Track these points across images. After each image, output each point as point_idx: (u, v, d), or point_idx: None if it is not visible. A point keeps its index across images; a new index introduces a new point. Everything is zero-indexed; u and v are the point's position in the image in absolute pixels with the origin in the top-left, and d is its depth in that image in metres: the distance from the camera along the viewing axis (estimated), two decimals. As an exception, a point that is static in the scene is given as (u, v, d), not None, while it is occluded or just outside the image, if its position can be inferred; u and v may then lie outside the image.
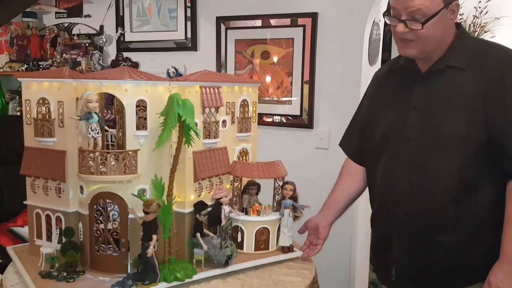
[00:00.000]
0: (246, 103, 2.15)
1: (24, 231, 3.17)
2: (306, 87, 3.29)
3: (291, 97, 3.37)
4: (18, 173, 3.29)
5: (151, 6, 3.84)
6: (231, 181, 2.09)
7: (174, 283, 1.74)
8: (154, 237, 1.68)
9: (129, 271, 1.78)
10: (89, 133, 1.74)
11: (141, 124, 1.78)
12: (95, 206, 1.80)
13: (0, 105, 4.35)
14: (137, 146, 1.77)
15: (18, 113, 4.26)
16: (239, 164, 2.07)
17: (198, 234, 1.84)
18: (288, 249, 2.06)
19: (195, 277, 1.80)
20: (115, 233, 1.80)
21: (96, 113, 1.75)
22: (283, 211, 2.02)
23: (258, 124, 3.46)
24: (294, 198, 2.04)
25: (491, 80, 1.65)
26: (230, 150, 2.07)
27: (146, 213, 1.67)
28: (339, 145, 2.19)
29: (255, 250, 2.02)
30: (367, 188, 2.07)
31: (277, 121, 3.45)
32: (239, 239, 2.01)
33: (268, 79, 3.44)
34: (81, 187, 1.83)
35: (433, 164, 1.73)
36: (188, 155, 1.84)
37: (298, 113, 3.35)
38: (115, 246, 1.80)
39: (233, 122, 2.08)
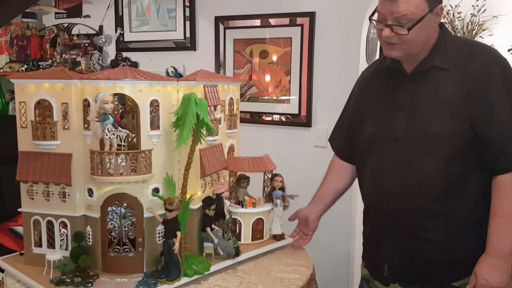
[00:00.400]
0: (232, 101, 2.19)
1: (24, 230, 3.20)
2: (304, 86, 3.31)
3: (289, 96, 3.39)
4: (19, 173, 3.28)
5: (150, 6, 3.86)
6: (223, 176, 2.15)
7: (195, 277, 1.80)
8: (179, 233, 1.72)
9: (144, 270, 1.80)
10: (106, 134, 1.72)
11: (155, 123, 1.80)
12: (110, 208, 1.78)
13: (0, 105, 4.37)
14: (151, 146, 1.79)
15: (19, 113, 4.27)
16: (232, 160, 2.14)
17: (208, 229, 1.90)
18: (280, 236, 2.17)
19: (216, 268, 1.88)
20: (130, 233, 1.80)
21: (110, 114, 1.73)
22: (275, 202, 2.14)
23: (257, 123, 3.51)
24: (282, 189, 2.16)
25: (475, 80, 1.70)
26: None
27: (169, 210, 1.70)
28: (328, 140, 2.26)
29: (252, 240, 2.11)
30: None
31: (276, 119, 3.47)
32: (237, 231, 2.09)
33: (267, 78, 3.46)
34: (90, 190, 1.79)
35: (420, 162, 1.78)
36: (196, 152, 1.87)
37: (297, 112, 3.37)
38: (130, 246, 1.80)
39: (224, 120, 2.12)
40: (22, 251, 1.92)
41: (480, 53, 1.75)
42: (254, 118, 3.54)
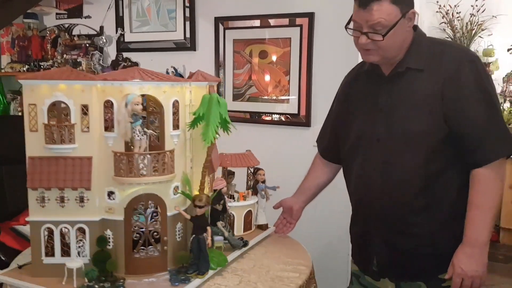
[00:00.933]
0: None
1: (26, 229, 3.20)
2: (303, 86, 3.33)
3: (289, 95, 3.41)
4: (20, 173, 3.33)
5: (150, 7, 3.88)
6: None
7: (218, 269, 1.88)
8: (209, 228, 1.79)
9: (168, 268, 1.83)
10: (138, 136, 1.73)
11: (175, 123, 1.83)
12: (137, 209, 1.80)
13: (2, 105, 4.39)
14: (172, 146, 1.82)
15: (20, 113, 4.30)
16: (222, 156, 2.27)
17: (219, 223, 1.99)
18: (266, 226, 2.35)
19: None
20: (155, 233, 1.83)
21: (139, 115, 1.75)
22: (261, 194, 2.32)
23: (257, 122, 3.52)
24: (263, 181, 2.34)
25: (447, 78, 1.77)
26: None
27: (199, 207, 1.77)
28: (316, 141, 2.35)
29: (244, 231, 2.25)
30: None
31: (275, 119, 3.49)
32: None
33: (266, 78, 3.48)
34: (111, 193, 1.77)
35: (401, 160, 1.85)
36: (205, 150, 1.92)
37: (296, 112, 3.39)
38: (156, 245, 1.82)
39: None
40: (20, 264, 1.84)
41: (451, 53, 1.82)
42: (254, 118, 3.56)
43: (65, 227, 1.76)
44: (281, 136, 3.47)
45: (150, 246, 1.82)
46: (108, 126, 1.77)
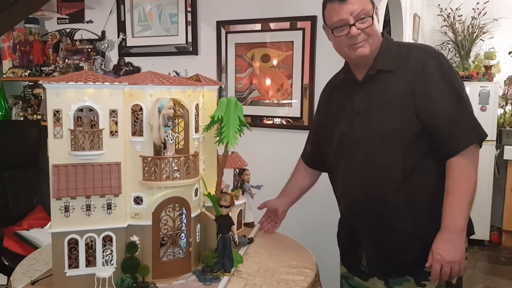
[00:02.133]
0: None
1: (29, 234, 3.21)
2: (306, 89, 3.34)
3: (291, 99, 3.41)
4: (23, 177, 3.34)
5: (152, 11, 3.88)
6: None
7: (239, 265, 1.94)
8: (234, 227, 1.87)
9: (191, 268, 1.88)
10: (170, 140, 1.75)
11: (196, 127, 1.87)
12: (165, 213, 1.80)
13: (4, 111, 4.39)
14: (195, 149, 1.87)
15: (22, 118, 4.30)
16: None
17: None
18: (252, 224, 2.47)
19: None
20: (181, 235, 1.86)
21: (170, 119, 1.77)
22: (249, 193, 2.42)
23: (259, 126, 3.53)
24: (248, 181, 2.43)
25: (415, 76, 1.87)
26: None
27: (225, 207, 1.84)
28: (303, 149, 2.46)
29: (237, 229, 2.30)
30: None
31: (277, 123, 3.49)
32: None
33: (268, 82, 3.48)
34: (138, 198, 1.77)
35: (379, 159, 1.93)
36: (214, 152, 2.01)
37: (298, 115, 3.39)
38: (181, 248, 1.85)
39: None
40: (34, 280, 1.79)
41: (416, 52, 1.93)
42: (256, 121, 3.56)
43: (91, 236, 1.71)
44: (283, 140, 3.46)
45: (177, 249, 1.84)
46: (136, 130, 1.76)
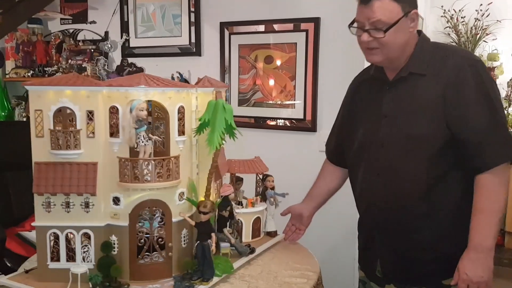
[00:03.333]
0: None
1: (32, 235, 3.19)
2: (309, 90, 3.33)
3: (294, 100, 3.40)
4: (25, 179, 3.31)
5: (155, 12, 3.88)
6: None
7: (223, 275, 1.87)
8: (214, 235, 1.80)
9: (173, 274, 1.83)
10: (142, 141, 1.74)
11: (180, 129, 1.83)
12: (141, 215, 1.79)
13: (7, 111, 4.39)
14: (178, 152, 1.83)
15: (25, 119, 4.30)
16: (231, 163, 2.28)
17: (226, 229, 1.98)
18: (275, 233, 2.33)
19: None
20: (160, 239, 1.82)
21: (144, 121, 1.76)
22: (270, 200, 2.29)
23: (262, 127, 3.52)
24: (273, 188, 2.31)
25: (448, 83, 1.78)
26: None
27: (204, 213, 1.77)
28: (325, 145, 2.36)
29: (252, 238, 2.24)
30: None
31: (280, 124, 3.48)
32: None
33: (271, 83, 3.48)
34: (116, 198, 1.78)
35: (403, 166, 1.86)
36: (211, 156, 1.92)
37: (302, 117, 3.39)
38: (160, 252, 1.82)
39: None
40: (27, 269, 1.86)
41: (453, 57, 1.83)
42: (259, 123, 3.55)
43: (71, 232, 1.78)
44: (286, 141, 3.46)
45: (155, 252, 1.81)
46: (113, 132, 1.77)
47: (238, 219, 2.15)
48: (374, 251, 2.02)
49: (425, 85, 1.82)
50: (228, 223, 2.00)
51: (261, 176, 2.35)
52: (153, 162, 1.75)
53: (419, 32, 1.90)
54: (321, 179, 2.33)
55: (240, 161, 2.29)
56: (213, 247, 1.79)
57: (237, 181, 2.28)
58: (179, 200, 1.83)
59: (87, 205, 1.77)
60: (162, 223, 1.82)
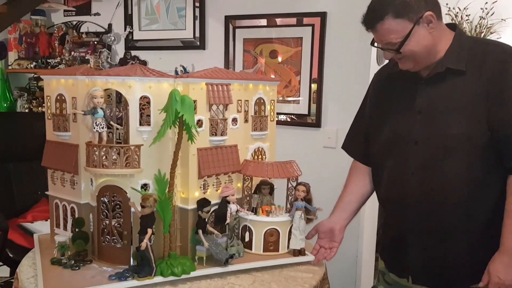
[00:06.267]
0: (262, 101, 2.15)
1: (34, 226, 3.20)
2: (314, 86, 3.31)
3: (299, 96, 3.39)
4: (27, 170, 3.33)
5: (159, 4, 3.86)
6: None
7: (171, 278, 1.78)
8: (149, 230, 1.73)
9: (131, 263, 1.82)
10: (94, 128, 1.81)
11: (145, 120, 1.82)
12: (102, 199, 1.86)
13: (9, 102, 4.37)
14: (141, 142, 1.81)
15: (27, 110, 4.29)
16: (251, 163, 2.05)
17: (200, 231, 1.86)
18: (300, 252, 2.02)
19: (194, 274, 1.82)
20: (119, 225, 1.85)
21: (102, 108, 1.81)
22: (294, 213, 2.00)
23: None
24: (307, 200, 2.01)
25: (491, 79, 1.70)
26: (243, 149, 2.09)
27: (143, 207, 1.73)
28: (342, 148, 2.20)
29: (263, 251, 2.00)
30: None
31: (284, 119, 3.47)
32: (247, 239, 2.01)
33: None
34: (91, 180, 1.89)
35: (441, 166, 1.77)
36: (192, 152, 1.87)
37: (306, 112, 3.37)
38: (118, 238, 1.85)
39: (246, 121, 2.09)
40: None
41: (495, 52, 1.74)
42: (263, 117, 3.53)
43: (65, 205, 2.01)
44: (291, 137, 3.44)
45: (114, 237, 1.86)
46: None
47: (247, 226, 2.00)
48: (404, 252, 1.92)
49: (465, 82, 1.74)
50: (221, 227, 1.94)
51: (294, 183, 2.07)
52: (109, 149, 1.79)
53: (454, 26, 1.82)
54: (352, 183, 2.13)
55: (267, 163, 2.05)
56: (143, 244, 1.70)
57: (261, 185, 2.06)
58: (144, 190, 1.83)
59: (73, 182, 1.95)
60: (120, 210, 1.84)
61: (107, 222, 1.86)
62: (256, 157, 2.17)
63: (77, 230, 1.91)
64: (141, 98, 1.81)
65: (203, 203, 1.88)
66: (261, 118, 2.16)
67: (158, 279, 1.76)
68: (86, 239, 1.90)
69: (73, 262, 1.86)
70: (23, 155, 3.62)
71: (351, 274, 3.33)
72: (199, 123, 1.88)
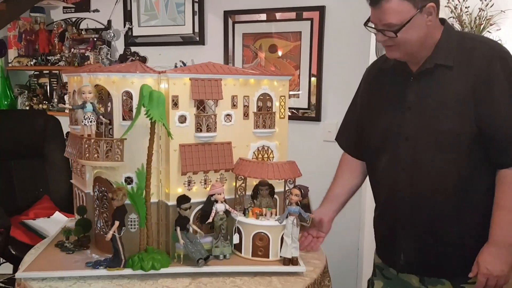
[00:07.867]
0: (267, 97, 2.07)
1: (36, 223, 3.20)
2: (313, 80, 3.32)
3: (298, 90, 3.40)
4: (28, 167, 3.33)
5: (158, 0, 3.87)
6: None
7: (139, 272, 1.77)
8: (116, 223, 1.75)
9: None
10: (82, 121, 1.84)
11: (127, 114, 1.86)
12: (94, 190, 1.96)
13: (9, 100, 4.38)
14: (124, 136, 1.82)
15: (27, 107, 4.29)
16: (245, 162, 1.97)
17: (178, 228, 1.81)
18: (290, 261, 1.85)
19: (164, 270, 1.79)
20: (106, 215, 1.93)
21: (92, 103, 1.85)
22: (283, 218, 1.84)
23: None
24: (303, 205, 1.90)
25: (478, 76, 1.71)
26: (243, 147, 2.02)
27: (112, 199, 1.75)
28: (335, 139, 2.22)
29: (252, 255, 1.89)
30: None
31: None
32: (237, 241, 1.92)
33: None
34: (90, 171, 1.98)
35: (431, 161, 1.80)
36: (173, 147, 1.85)
37: (306, 106, 3.38)
38: (106, 227, 1.91)
39: (246, 117, 2.03)
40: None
41: (482, 49, 1.75)
42: (263, 112, 3.54)
43: (79, 193, 2.12)
44: (290, 131, 3.42)
45: (103, 227, 1.94)
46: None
47: (238, 227, 1.90)
48: (397, 243, 1.95)
49: (453, 77, 1.75)
50: (209, 226, 1.90)
51: (290, 186, 1.98)
52: (92, 141, 1.82)
53: (443, 21, 1.83)
54: (340, 176, 2.16)
55: (266, 163, 1.96)
56: (108, 235, 1.72)
57: (259, 186, 1.95)
58: (128, 184, 1.85)
59: (82, 172, 2.04)
60: (107, 201, 1.89)
61: (98, 211, 1.97)
62: (260, 156, 2.08)
63: (80, 217, 2.02)
64: (123, 93, 1.85)
65: (181, 200, 1.83)
66: (265, 114, 2.06)
67: (128, 271, 1.77)
68: (85, 226, 2.00)
69: (72, 246, 1.96)
70: (25, 153, 3.62)
71: (352, 267, 3.33)
72: (181, 118, 1.86)
